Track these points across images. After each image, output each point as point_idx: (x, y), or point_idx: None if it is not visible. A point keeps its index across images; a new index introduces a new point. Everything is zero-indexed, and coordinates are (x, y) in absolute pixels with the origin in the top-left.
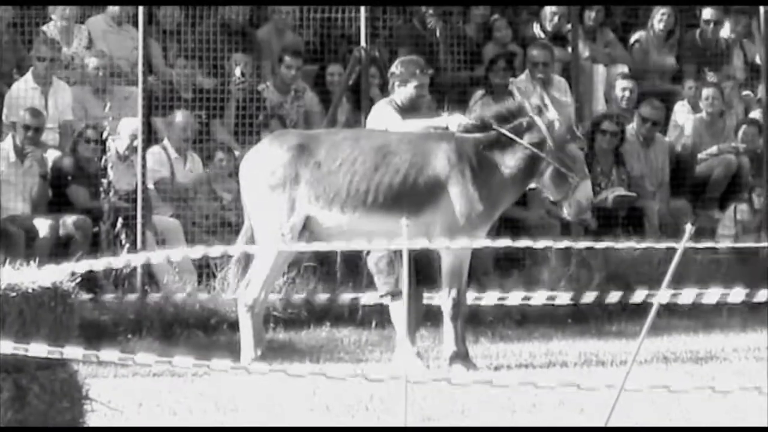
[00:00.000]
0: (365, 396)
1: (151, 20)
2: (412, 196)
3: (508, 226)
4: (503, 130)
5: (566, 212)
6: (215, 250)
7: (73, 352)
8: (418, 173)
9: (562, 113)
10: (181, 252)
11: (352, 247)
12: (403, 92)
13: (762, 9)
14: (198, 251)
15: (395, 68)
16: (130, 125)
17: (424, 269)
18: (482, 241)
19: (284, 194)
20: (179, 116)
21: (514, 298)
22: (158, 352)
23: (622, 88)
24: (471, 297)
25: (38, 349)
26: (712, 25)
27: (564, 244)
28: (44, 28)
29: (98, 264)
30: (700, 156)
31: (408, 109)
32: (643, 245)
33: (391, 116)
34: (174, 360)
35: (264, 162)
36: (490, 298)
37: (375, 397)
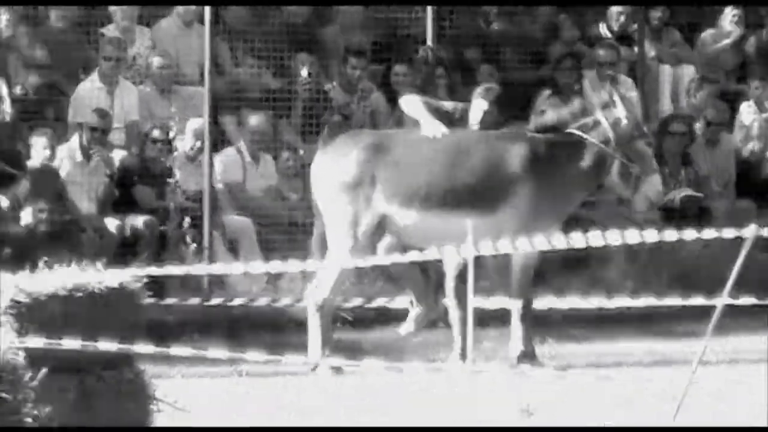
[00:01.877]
0: (430, 394)
1: (218, 20)
2: (487, 195)
3: (570, 223)
4: (573, 130)
5: (636, 207)
6: (291, 265)
7: (143, 348)
8: (494, 172)
9: (629, 110)
10: (258, 266)
11: (424, 257)
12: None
13: None
14: (275, 266)
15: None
16: (196, 125)
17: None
18: (543, 241)
19: (359, 193)
20: (254, 119)
21: (586, 302)
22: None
23: (691, 89)
24: (544, 303)
25: (108, 346)
26: None
27: (631, 238)
28: (105, 30)
29: (176, 270)
30: (766, 156)
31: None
32: (710, 236)
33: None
34: (246, 355)
35: (338, 161)
36: (565, 302)
37: (440, 395)
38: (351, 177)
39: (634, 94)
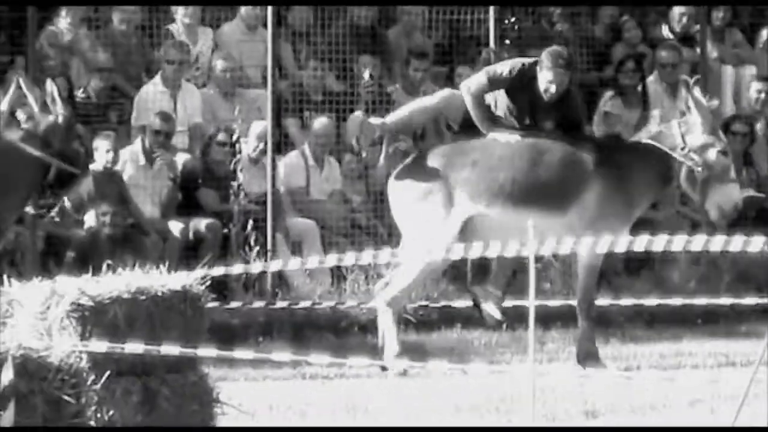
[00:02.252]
0: (496, 396)
1: (281, 22)
2: (562, 193)
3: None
4: (641, 138)
5: (711, 216)
6: (348, 258)
7: (207, 351)
8: (569, 171)
9: (705, 116)
10: (315, 260)
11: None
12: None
13: None
14: (332, 259)
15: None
16: (259, 128)
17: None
18: (606, 240)
19: (438, 199)
20: (319, 123)
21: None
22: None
23: (757, 90)
24: (605, 300)
25: (171, 349)
26: None
27: (696, 244)
28: (170, 27)
29: (233, 270)
30: None
31: (514, 86)
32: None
33: (478, 84)
34: (310, 358)
35: (414, 172)
36: (624, 301)
37: (506, 396)
38: (428, 185)
39: (713, 101)
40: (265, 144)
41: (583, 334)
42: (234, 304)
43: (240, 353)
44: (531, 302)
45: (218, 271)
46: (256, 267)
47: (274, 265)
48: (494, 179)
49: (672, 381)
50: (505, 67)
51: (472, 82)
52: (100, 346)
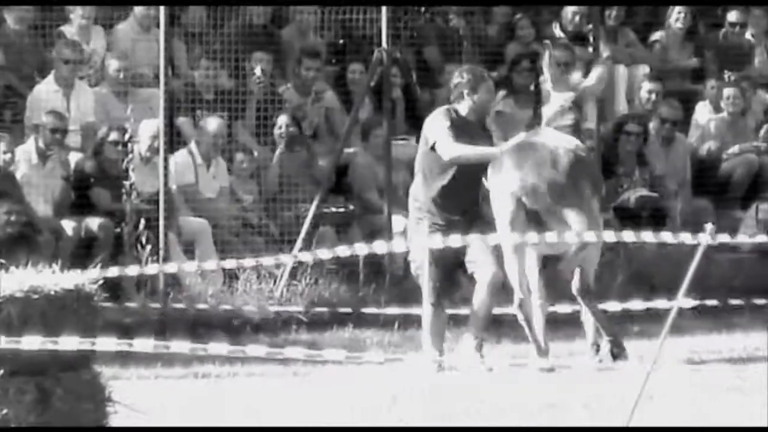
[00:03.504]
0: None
1: (174, 22)
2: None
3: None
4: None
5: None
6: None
7: (105, 344)
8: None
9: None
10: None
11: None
12: (469, 101)
13: None
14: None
15: (460, 77)
16: (151, 127)
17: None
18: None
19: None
20: (212, 123)
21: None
22: (182, 353)
23: (648, 90)
24: None
25: (69, 342)
26: (737, 27)
27: (588, 237)
28: (63, 28)
29: (128, 271)
30: (722, 156)
31: (466, 122)
32: (666, 240)
33: (443, 133)
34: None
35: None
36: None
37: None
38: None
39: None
40: (158, 143)
41: (594, 327)
42: (128, 300)
43: (139, 344)
44: (425, 306)
45: (113, 272)
46: (151, 269)
47: (169, 267)
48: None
49: (563, 380)
50: (441, 116)
51: (444, 145)
52: None
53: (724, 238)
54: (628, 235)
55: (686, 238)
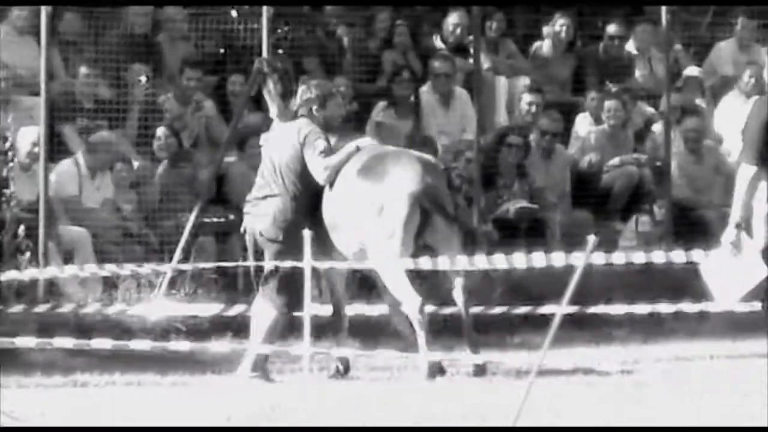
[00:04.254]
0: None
1: (53, 31)
2: None
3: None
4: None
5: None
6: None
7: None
8: None
9: None
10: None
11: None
12: (318, 116)
13: (664, 22)
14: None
15: (309, 92)
16: (31, 133)
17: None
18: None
19: None
20: (97, 137)
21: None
22: (62, 362)
23: (528, 101)
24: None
25: None
26: (617, 40)
27: (461, 264)
28: None
29: (4, 277)
30: (603, 167)
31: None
32: (537, 264)
33: (319, 155)
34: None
35: None
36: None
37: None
38: None
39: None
40: (38, 150)
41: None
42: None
43: (22, 341)
44: (306, 312)
45: None
46: (28, 273)
47: (48, 272)
48: None
49: (446, 390)
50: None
51: (316, 165)
52: None
53: (599, 256)
54: (500, 260)
55: (559, 258)
